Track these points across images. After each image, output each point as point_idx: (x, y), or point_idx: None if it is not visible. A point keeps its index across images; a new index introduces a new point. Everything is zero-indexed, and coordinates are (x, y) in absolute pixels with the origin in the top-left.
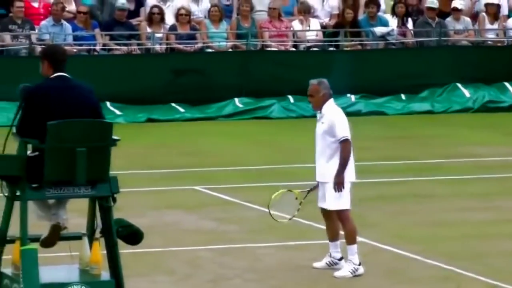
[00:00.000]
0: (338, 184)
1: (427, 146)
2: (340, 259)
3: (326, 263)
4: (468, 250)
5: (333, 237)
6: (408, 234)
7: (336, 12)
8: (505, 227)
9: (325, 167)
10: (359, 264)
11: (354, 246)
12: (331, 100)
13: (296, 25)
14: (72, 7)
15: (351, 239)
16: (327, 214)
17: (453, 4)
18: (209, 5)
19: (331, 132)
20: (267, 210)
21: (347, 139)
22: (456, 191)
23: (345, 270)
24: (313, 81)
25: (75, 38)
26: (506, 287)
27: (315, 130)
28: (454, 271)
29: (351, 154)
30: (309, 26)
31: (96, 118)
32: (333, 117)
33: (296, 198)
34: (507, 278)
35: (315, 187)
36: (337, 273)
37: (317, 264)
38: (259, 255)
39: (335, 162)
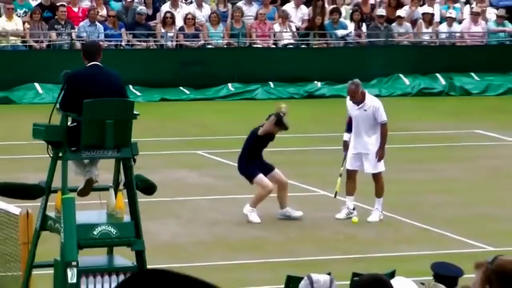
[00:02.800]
0: (381, 157)
1: None
2: (353, 209)
3: (346, 213)
4: (406, 202)
5: (353, 192)
6: (360, 190)
7: (307, 17)
8: (434, 184)
9: (368, 142)
10: (382, 211)
11: (382, 199)
12: (367, 92)
13: (276, 27)
14: (103, 11)
15: (381, 193)
16: (353, 175)
17: (398, 13)
18: (209, 11)
19: (374, 117)
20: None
21: (386, 122)
22: (398, 156)
23: (375, 216)
24: (351, 86)
25: (106, 36)
26: (435, 230)
27: (355, 115)
28: (395, 218)
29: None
30: (287, 28)
31: (121, 97)
32: (375, 105)
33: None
34: (435, 224)
35: (344, 157)
36: (369, 219)
37: (339, 215)
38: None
39: (374, 138)
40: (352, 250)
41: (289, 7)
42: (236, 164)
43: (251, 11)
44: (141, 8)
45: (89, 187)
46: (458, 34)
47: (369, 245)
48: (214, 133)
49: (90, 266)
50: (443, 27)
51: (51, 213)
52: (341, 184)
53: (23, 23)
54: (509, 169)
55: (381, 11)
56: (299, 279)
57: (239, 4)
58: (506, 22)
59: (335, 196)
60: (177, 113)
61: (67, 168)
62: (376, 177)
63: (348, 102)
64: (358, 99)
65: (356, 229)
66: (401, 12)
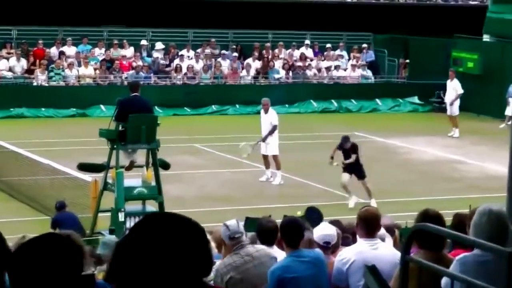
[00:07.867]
0: (263, 140)
1: (296, 128)
2: (271, 177)
3: (265, 179)
4: (316, 173)
5: (268, 167)
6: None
7: (259, 67)
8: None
9: (267, 136)
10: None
11: (280, 170)
12: (271, 108)
13: (242, 73)
14: (139, 62)
15: (279, 167)
16: (266, 157)
17: (309, 63)
18: (202, 64)
19: (270, 121)
20: (229, 155)
21: (275, 125)
22: (309, 148)
23: (278, 180)
24: (264, 99)
25: (143, 77)
26: (333, 191)
27: (263, 119)
28: (302, 181)
29: (277, 132)
30: (248, 73)
31: (150, 113)
32: (272, 115)
33: (251, 145)
34: (333, 187)
35: (259, 141)
36: (274, 182)
37: (261, 179)
38: (224, 175)
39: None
40: (286, 201)
41: (249, 61)
42: (218, 153)
43: (226, 64)
44: (162, 61)
45: (131, 165)
46: (344, 77)
47: (294, 198)
48: (204, 134)
49: (132, 211)
50: (335, 73)
51: (109, 180)
52: (242, 148)
53: (94, 69)
54: (376, 156)
55: (300, 64)
56: (254, 219)
57: (219, 59)
58: (369, 70)
59: (243, 156)
60: (182, 123)
61: (118, 154)
62: (275, 158)
63: (261, 113)
64: (266, 109)
65: (281, 188)
66: (312, 64)
